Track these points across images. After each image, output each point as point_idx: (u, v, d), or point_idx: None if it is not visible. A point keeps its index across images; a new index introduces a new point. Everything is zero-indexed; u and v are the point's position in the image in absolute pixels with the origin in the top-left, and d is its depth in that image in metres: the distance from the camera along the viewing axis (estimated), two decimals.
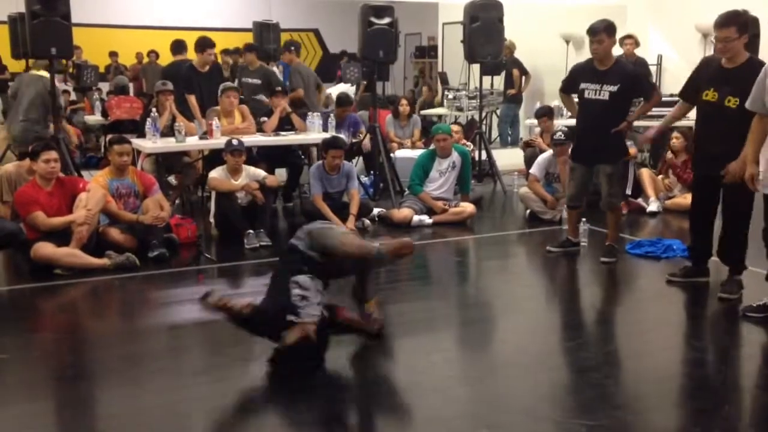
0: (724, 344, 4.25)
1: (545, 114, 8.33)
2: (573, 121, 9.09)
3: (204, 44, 7.69)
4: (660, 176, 7.56)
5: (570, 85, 5.65)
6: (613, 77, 5.33)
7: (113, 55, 14.60)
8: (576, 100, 5.69)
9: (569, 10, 11.03)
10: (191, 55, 8.17)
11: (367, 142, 8.29)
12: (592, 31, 5.32)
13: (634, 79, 5.49)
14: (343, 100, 8.92)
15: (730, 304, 4.57)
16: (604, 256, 5.62)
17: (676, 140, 7.40)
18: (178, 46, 8.60)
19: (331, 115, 8.21)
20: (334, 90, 10.76)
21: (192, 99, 7.48)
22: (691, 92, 4.83)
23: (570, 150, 5.91)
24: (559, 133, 6.87)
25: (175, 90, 7.43)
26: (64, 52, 7.10)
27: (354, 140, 8.42)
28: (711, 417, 3.23)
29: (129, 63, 14.80)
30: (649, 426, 3.17)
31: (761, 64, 4.46)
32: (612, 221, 5.67)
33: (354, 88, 11.45)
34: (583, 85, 5.47)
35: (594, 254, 5.84)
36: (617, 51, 9.23)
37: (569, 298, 5.18)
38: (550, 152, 7.11)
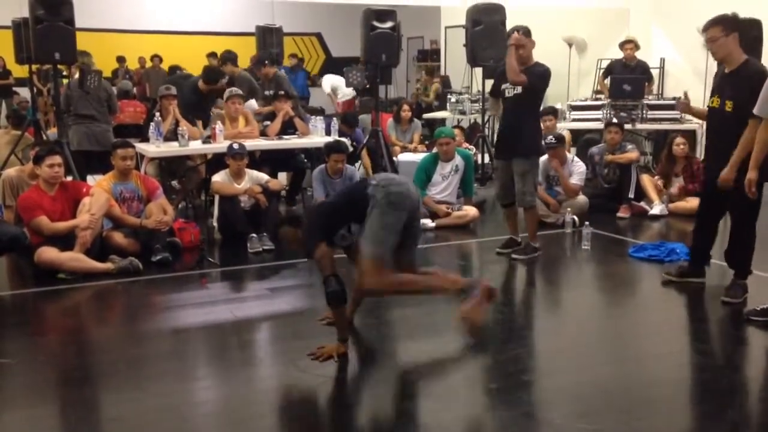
0: (728, 348, 4.25)
1: (549, 113, 8.29)
2: (572, 125, 9.19)
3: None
4: (660, 181, 7.49)
5: (495, 88, 5.82)
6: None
7: (121, 60, 14.63)
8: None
9: (572, 13, 11.03)
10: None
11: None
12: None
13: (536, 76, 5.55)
14: (348, 119, 8.93)
15: (733, 308, 4.56)
16: (517, 252, 5.75)
17: (681, 146, 7.32)
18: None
19: (334, 119, 8.23)
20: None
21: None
22: None
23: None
24: (551, 136, 6.87)
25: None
26: (68, 56, 7.12)
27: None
28: (715, 421, 3.22)
29: (132, 67, 14.85)
30: (653, 430, 3.16)
31: (755, 64, 4.49)
32: (529, 220, 5.81)
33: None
34: (503, 86, 5.65)
35: (597, 258, 5.83)
36: (618, 54, 9.35)
37: (572, 301, 5.17)
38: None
